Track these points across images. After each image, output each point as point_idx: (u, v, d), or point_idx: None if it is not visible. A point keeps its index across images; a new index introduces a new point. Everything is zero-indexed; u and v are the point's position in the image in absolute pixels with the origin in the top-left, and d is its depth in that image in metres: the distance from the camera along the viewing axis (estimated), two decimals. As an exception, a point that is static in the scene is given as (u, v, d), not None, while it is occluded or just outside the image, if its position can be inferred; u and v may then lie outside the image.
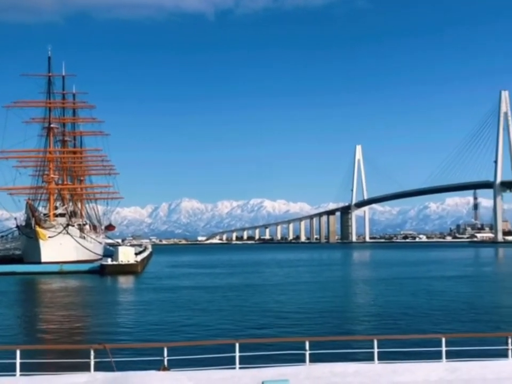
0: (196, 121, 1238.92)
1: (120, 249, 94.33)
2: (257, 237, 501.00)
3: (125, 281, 76.57)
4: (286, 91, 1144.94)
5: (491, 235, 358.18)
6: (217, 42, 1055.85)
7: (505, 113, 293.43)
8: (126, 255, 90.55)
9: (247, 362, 16.28)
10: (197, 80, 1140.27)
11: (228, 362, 16.04)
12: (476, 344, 19.87)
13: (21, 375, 14.71)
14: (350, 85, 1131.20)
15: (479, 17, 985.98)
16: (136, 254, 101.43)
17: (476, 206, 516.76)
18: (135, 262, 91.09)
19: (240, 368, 15.34)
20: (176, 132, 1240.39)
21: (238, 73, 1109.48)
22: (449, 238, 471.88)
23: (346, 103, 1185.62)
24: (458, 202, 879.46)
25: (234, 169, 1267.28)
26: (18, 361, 14.94)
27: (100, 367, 15.29)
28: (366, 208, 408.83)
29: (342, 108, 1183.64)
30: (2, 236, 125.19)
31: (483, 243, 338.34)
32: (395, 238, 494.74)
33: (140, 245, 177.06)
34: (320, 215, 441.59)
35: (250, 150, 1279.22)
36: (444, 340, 16.52)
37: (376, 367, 14.48)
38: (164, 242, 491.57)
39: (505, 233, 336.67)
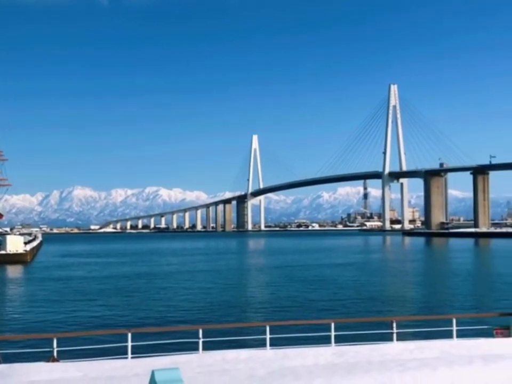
0: (89, 106, 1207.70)
1: (8, 238, 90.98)
2: (152, 226, 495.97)
3: (13, 271, 73.87)
4: (184, 83, 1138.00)
5: (379, 223, 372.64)
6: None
7: (394, 106, 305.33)
8: (15, 244, 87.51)
9: (139, 352, 16.14)
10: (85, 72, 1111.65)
11: (120, 352, 15.83)
12: (363, 328, 20.66)
13: None
14: (247, 77, 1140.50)
15: (367, 14, 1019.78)
16: (26, 243, 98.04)
17: (365, 196, 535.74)
18: (24, 252, 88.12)
19: (132, 358, 15.18)
20: (68, 117, 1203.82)
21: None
22: (340, 226, 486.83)
23: (243, 94, 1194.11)
24: (349, 192, 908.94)
25: (129, 157, 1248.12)
26: None
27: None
28: (261, 197, 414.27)
29: (238, 99, 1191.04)
30: None
31: (372, 231, 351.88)
32: (289, 226, 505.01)
33: (30, 234, 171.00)
34: (216, 204, 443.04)
35: (145, 137, 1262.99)
36: (332, 324, 17.05)
37: (267, 353, 14.73)
38: (55, 231, 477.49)
39: (393, 221, 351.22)
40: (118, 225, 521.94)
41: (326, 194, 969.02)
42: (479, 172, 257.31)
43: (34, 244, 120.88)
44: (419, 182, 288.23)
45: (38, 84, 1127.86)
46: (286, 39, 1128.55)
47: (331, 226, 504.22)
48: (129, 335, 15.43)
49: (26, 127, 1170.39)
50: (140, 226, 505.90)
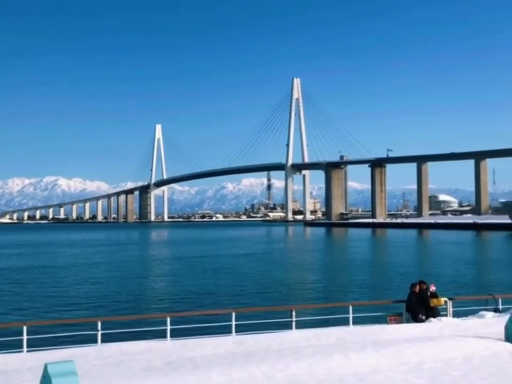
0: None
1: None
2: (51, 217, 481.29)
3: None
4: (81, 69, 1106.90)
5: (282, 214, 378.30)
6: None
7: (297, 99, 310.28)
8: None
9: (36, 345, 15.73)
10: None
11: (15, 346, 15.38)
12: (263, 317, 20.99)
13: None
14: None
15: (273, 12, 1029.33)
16: None
17: (269, 187, 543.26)
18: None
19: (28, 351, 14.78)
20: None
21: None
22: (244, 217, 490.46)
23: (146, 82, 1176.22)
24: (253, 183, 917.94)
25: (27, 146, 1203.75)
26: None
27: None
28: (165, 187, 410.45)
29: (142, 87, 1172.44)
30: None
31: (275, 222, 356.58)
32: (193, 217, 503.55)
33: None
34: (118, 194, 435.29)
35: (44, 126, 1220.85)
36: (233, 314, 17.25)
37: (166, 344, 14.73)
38: None
39: (295, 212, 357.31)
40: (15, 216, 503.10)
41: (230, 185, 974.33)
42: (377, 164, 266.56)
43: None
44: (320, 174, 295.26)
45: None
46: (197, 35, 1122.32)
47: (235, 217, 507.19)
48: (25, 328, 15.02)
49: None
50: (38, 217, 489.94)
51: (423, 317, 19.03)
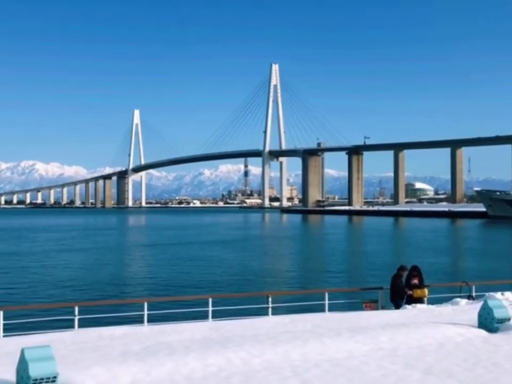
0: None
1: None
2: (28, 201, 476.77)
3: None
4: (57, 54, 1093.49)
5: (259, 201, 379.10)
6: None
7: (275, 86, 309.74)
8: None
9: (12, 330, 15.69)
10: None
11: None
12: (240, 303, 21.12)
13: None
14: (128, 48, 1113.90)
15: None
16: None
17: (246, 174, 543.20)
18: None
19: (4, 336, 14.75)
20: None
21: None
22: (221, 204, 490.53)
23: (124, 68, 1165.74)
24: (231, 170, 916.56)
25: (4, 129, 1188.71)
26: None
27: None
28: (143, 173, 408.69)
29: (119, 72, 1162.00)
30: None
31: (252, 208, 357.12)
32: (170, 203, 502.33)
33: None
34: (96, 179, 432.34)
35: (21, 109, 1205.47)
36: (210, 300, 17.36)
37: (144, 329, 14.79)
38: None
39: (272, 199, 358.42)
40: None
41: (208, 171, 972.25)
42: (354, 152, 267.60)
43: None
44: (297, 161, 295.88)
45: None
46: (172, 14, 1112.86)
47: (212, 203, 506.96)
48: (1, 313, 14.99)
49: None
50: (15, 201, 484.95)
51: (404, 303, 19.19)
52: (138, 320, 17.27)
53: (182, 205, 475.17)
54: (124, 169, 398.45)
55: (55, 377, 9.09)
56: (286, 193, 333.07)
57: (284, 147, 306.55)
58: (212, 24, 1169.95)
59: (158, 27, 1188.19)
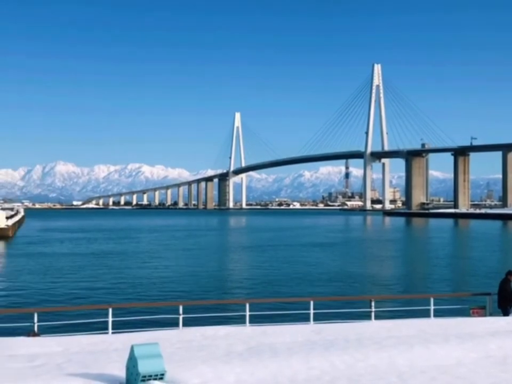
0: (73, 82, 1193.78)
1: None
2: (134, 203, 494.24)
3: (-6, 246, 73.34)
4: (164, 56, 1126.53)
5: (360, 203, 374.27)
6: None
7: (377, 86, 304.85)
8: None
9: (120, 327, 16.24)
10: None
11: (100, 328, 15.93)
12: (341, 307, 20.91)
13: None
14: (231, 54, 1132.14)
15: None
16: (8, 218, 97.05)
17: (347, 175, 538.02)
18: (6, 226, 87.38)
19: (113, 333, 15.27)
20: (51, 91, 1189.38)
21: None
22: (321, 206, 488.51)
23: (225, 70, 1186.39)
24: (331, 171, 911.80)
25: (113, 133, 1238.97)
26: None
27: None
28: (243, 175, 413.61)
29: (221, 75, 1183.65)
30: None
31: (353, 211, 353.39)
32: (270, 205, 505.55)
33: (12, 209, 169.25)
34: (198, 181, 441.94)
35: (129, 114, 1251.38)
36: (312, 302, 17.27)
37: (246, 330, 14.90)
38: (38, 206, 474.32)
39: (374, 201, 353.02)
40: (101, 201, 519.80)
41: (308, 173, 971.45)
42: (460, 153, 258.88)
43: (17, 218, 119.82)
44: (401, 162, 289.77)
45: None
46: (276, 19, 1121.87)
47: (312, 205, 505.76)
48: (110, 310, 15.52)
49: (10, 106, 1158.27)
50: (122, 202, 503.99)
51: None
52: (240, 321, 17.43)
53: (281, 207, 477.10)
54: (225, 171, 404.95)
55: (162, 374, 9.30)
56: (388, 195, 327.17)
57: (386, 148, 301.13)
58: (314, 31, 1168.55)
59: (270, 31, 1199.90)
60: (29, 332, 14.89)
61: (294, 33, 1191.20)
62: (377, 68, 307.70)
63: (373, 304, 18.10)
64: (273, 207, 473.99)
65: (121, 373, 9.72)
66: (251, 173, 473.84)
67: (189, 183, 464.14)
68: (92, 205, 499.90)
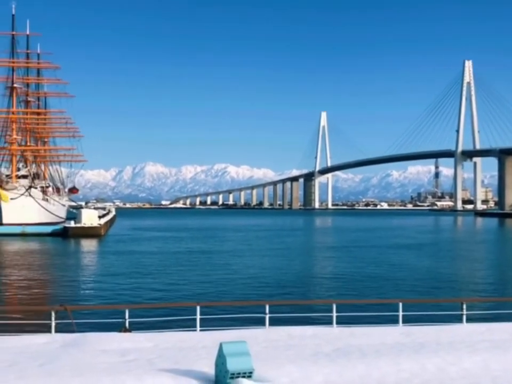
0: (161, 85, 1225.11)
1: (84, 212, 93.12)
2: (220, 202, 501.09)
3: (88, 244, 76.04)
4: (248, 54, 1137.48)
5: (451, 203, 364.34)
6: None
7: (468, 83, 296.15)
8: (90, 217, 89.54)
9: (208, 325, 16.48)
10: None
11: (189, 325, 16.21)
12: (431, 309, 20.41)
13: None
14: (317, 51, 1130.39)
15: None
16: (100, 217, 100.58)
17: (437, 175, 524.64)
18: (99, 225, 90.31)
19: (200, 330, 15.52)
20: (141, 94, 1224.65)
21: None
22: (410, 206, 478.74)
23: (312, 69, 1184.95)
24: (420, 171, 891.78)
25: (199, 134, 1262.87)
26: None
27: (61, 328, 15.28)
28: (329, 175, 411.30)
29: (308, 74, 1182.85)
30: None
31: (443, 211, 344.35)
32: (357, 205, 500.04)
33: (104, 208, 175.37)
34: (283, 181, 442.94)
35: (214, 115, 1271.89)
36: (400, 304, 16.92)
37: (333, 330, 14.78)
38: (128, 206, 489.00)
39: (465, 201, 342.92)
40: (188, 201, 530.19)
41: (396, 173, 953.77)
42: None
43: (108, 217, 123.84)
44: (493, 161, 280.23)
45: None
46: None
47: (400, 205, 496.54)
48: (198, 308, 15.77)
49: (100, 103, 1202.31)
50: (208, 202, 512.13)
51: None
52: (326, 322, 17.30)
53: (368, 207, 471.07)
54: (310, 171, 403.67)
55: (251, 372, 9.36)
56: (480, 195, 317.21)
57: (478, 147, 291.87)
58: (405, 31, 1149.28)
59: (339, 29, 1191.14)
60: (121, 328, 15.32)
61: (376, 29, 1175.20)
62: (468, 65, 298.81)
63: (464, 306, 17.56)
64: (359, 208, 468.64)
65: (210, 369, 9.85)
66: (337, 172, 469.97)
67: (274, 183, 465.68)
68: (179, 204, 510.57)
